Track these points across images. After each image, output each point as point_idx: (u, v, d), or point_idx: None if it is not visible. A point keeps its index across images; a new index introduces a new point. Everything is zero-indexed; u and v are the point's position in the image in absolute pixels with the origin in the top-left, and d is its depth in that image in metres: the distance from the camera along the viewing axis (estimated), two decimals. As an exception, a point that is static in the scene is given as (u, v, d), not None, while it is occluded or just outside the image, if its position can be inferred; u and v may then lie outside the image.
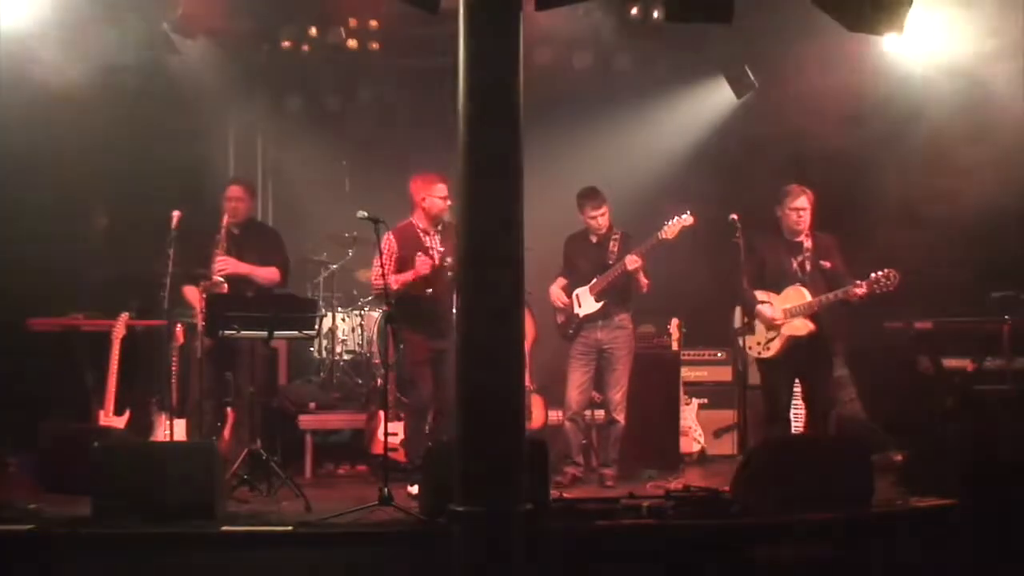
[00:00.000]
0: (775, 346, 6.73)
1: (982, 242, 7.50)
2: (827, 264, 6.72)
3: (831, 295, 6.57)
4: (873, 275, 6.40)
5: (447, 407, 6.28)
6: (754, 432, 7.25)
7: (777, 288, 6.77)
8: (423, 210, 6.74)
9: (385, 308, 6.18)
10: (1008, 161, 7.00)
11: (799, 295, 6.67)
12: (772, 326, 6.71)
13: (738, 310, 6.91)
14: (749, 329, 6.82)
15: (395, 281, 6.50)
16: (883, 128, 7.66)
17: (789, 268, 6.75)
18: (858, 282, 6.45)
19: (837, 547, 5.29)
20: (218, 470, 5.62)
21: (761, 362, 6.85)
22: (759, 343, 6.80)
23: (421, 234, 6.75)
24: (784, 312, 6.68)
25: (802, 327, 6.65)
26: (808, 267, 6.71)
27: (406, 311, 6.43)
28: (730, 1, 5.68)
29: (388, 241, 6.62)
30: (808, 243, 6.75)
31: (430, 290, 6.63)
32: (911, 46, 7.08)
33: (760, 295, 6.77)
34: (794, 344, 6.68)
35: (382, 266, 6.36)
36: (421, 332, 6.60)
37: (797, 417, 7.26)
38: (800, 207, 6.69)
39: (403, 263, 6.66)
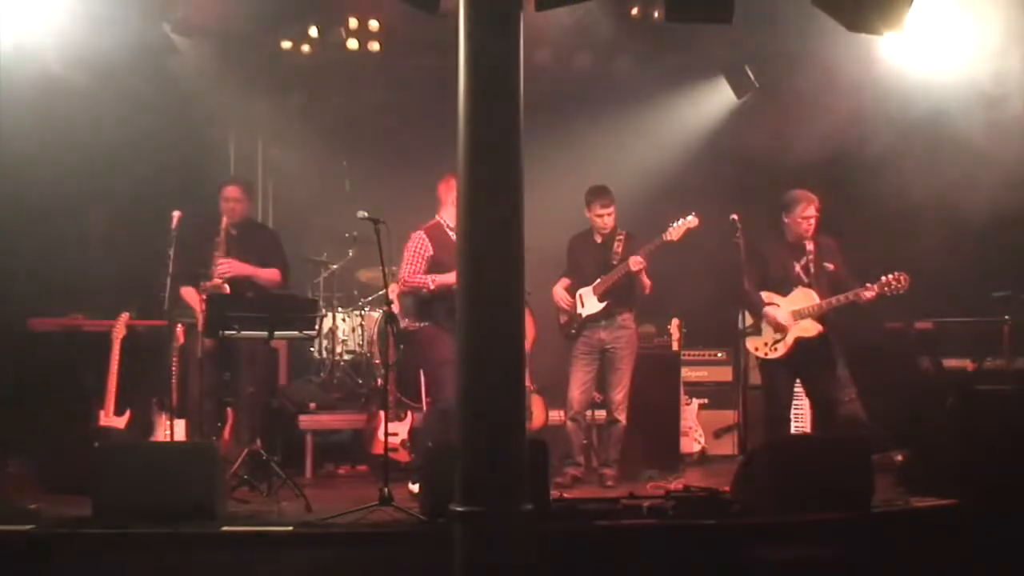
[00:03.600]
0: (782, 347, 6.77)
1: (982, 242, 7.49)
2: (831, 266, 6.78)
3: (841, 297, 6.61)
4: (884, 278, 6.47)
5: None
6: (754, 432, 7.24)
7: (782, 291, 6.81)
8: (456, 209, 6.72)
9: (385, 308, 6.18)
10: (1008, 161, 6.99)
11: (808, 297, 6.73)
12: (780, 328, 6.73)
13: (743, 312, 6.94)
14: (756, 330, 6.86)
15: (433, 282, 6.55)
16: (883, 128, 7.66)
17: (793, 271, 6.81)
18: (868, 285, 6.51)
19: (837, 547, 5.28)
20: (218, 470, 5.61)
21: (765, 363, 6.88)
22: (765, 343, 6.83)
23: (451, 233, 6.75)
24: (792, 314, 6.72)
25: (811, 328, 6.72)
26: (812, 270, 6.76)
27: (445, 308, 6.40)
28: (730, 1, 5.68)
29: (421, 240, 6.64)
30: (811, 246, 6.79)
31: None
32: (911, 46, 7.07)
33: (766, 297, 6.80)
34: (802, 345, 6.72)
35: (411, 264, 6.47)
36: (452, 330, 6.57)
37: (797, 417, 7.25)
38: (810, 216, 6.76)
39: (436, 264, 6.64)
